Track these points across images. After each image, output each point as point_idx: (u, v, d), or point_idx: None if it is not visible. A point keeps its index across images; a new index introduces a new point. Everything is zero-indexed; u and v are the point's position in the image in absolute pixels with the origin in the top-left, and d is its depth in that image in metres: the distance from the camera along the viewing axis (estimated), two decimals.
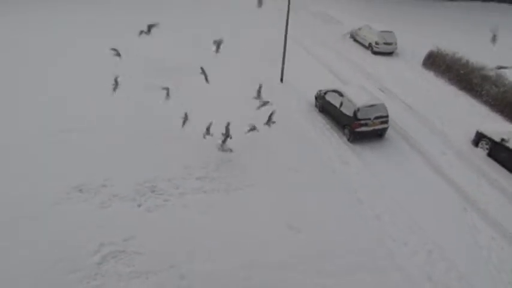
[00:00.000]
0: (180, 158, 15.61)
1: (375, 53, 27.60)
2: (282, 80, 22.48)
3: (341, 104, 18.37)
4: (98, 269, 11.45)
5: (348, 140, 17.96)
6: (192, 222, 13.07)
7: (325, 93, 19.53)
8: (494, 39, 15.52)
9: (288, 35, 21.96)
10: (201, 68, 15.40)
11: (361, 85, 20.62)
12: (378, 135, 18.17)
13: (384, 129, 18.14)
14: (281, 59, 22.15)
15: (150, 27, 14.55)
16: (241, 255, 12.13)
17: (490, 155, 17.46)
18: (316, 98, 20.33)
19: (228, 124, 15.46)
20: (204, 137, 15.69)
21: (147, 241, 12.31)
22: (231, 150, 15.67)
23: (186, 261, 11.80)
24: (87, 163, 15.03)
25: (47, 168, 14.67)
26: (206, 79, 15.36)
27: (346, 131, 18.09)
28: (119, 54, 15.29)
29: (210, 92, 18.12)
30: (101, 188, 13.92)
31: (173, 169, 15.10)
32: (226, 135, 15.52)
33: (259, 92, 16.25)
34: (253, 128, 16.02)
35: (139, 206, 13.48)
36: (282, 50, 22.05)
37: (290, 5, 20.57)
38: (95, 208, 13.24)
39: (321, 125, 18.91)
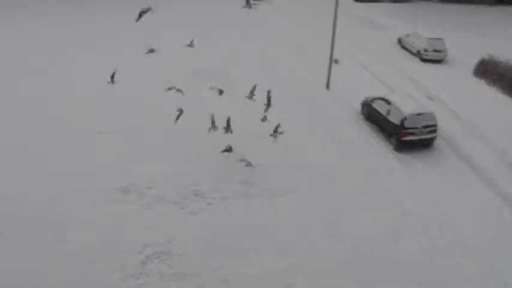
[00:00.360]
0: (220, 162, 15.66)
1: (424, 60, 26.90)
2: (328, 86, 22.31)
3: (388, 112, 17.99)
4: (142, 268, 11.68)
5: (394, 149, 17.62)
6: (234, 226, 13.12)
7: (371, 101, 19.21)
8: None
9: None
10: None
11: (409, 93, 20.19)
12: (425, 145, 17.71)
13: (432, 139, 17.62)
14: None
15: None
16: (283, 260, 12.07)
17: None
18: (362, 105, 20.04)
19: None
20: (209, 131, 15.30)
21: (189, 243, 12.46)
22: (250, 164, 15.09)
23: (228, 264, 11.85)
24: (131, 165, 15.36)
25: (93, 169, 15.11)
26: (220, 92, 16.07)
27: (393, 139, 17.69)
28: (152, 50, 15.95)
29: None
30: (145, 190, 14.19)
31: (215, 173, 15.24)
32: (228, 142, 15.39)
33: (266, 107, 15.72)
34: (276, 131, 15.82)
35: (182, 208, 13.68)
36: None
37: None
38: (140, 209, 13.54)
39: (366, 133, 18.58)
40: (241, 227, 13.09)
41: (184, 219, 13.30)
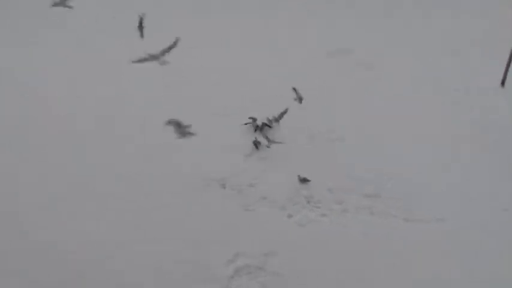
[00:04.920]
0: (344, 163, 12.50)
1: None
2: (503, 82, 16.87)
3: None
4: (228, 282, 9.37)
5: None
6: (352, 251, 9.98)
7: None
8: None
9: None
10: None
11: None
12: None
13: None
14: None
15: None
16: None
17: None
18: None
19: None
20: None
21: (291, 261, 9.76)
22: None
23: None
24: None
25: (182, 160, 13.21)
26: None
27: None
28: None
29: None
30: (247, 187, 11.83)
31: (335, 176, 12.02)
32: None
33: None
34: None
35: (289, 216, 11.09)
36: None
37: None
38: (237, 209, 11.21)
39: None
40: (359, 252, 9.72)
41: (289, 229, 10.38)
